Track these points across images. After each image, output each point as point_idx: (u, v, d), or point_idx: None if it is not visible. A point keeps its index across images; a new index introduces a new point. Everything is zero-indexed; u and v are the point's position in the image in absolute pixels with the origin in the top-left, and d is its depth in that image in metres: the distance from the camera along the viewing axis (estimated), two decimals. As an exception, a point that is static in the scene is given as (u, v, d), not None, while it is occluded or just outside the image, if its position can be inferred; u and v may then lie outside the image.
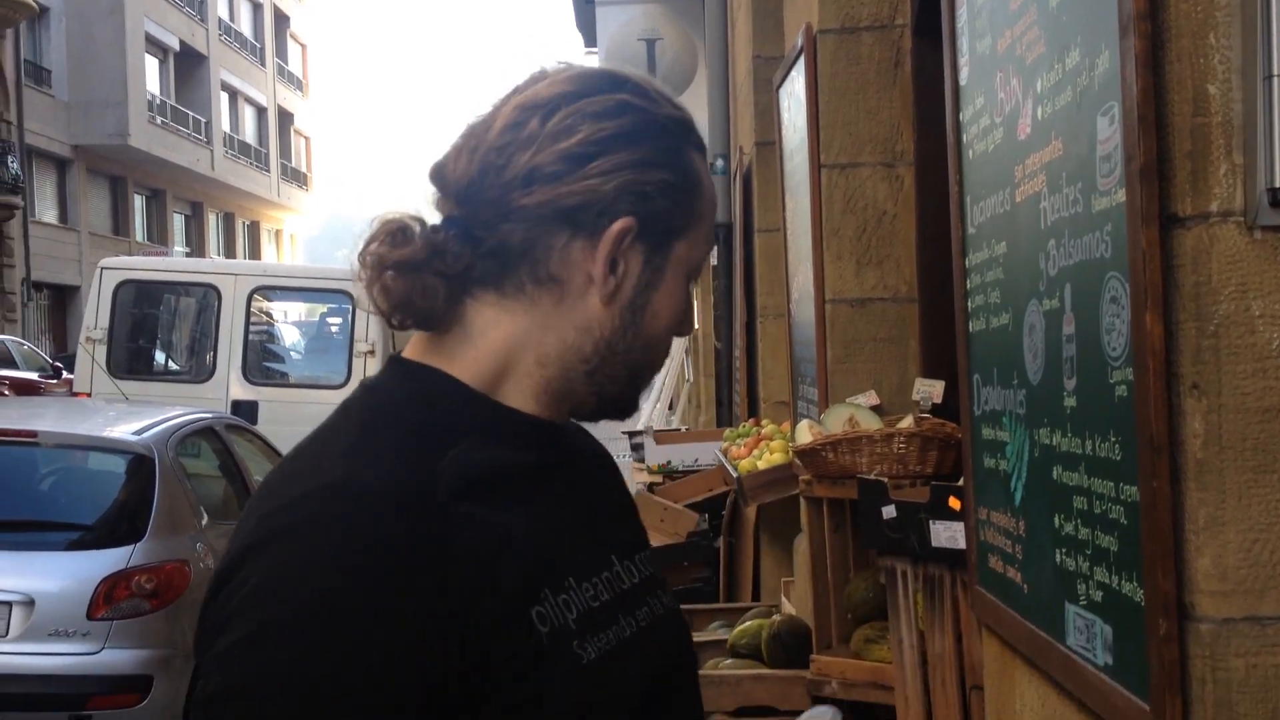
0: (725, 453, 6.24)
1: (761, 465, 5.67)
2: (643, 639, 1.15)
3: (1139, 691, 1.71)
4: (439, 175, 1.17)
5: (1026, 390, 2.16)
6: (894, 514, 2.82)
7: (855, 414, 4.32)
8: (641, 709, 1.12)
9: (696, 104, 10.79)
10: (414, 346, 1.18)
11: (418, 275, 1.12)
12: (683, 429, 10.35)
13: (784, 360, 6.73)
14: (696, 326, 1.59)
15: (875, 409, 4.41)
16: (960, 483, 2.97)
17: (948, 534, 2.69)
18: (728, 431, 6.83)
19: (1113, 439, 1.77)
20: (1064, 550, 2.00)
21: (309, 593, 0.99)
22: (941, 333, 4.53)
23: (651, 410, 12.78)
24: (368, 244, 1.15)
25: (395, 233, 1.14)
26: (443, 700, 1.02)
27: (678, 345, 15.87)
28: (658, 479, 7.61)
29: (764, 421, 6.56)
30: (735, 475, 5.65)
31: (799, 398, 5.24)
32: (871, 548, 3.00)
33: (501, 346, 1.14)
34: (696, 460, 7.73)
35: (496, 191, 1.11)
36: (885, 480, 3.00)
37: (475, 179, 1.12)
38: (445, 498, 1.05)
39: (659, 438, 8.10)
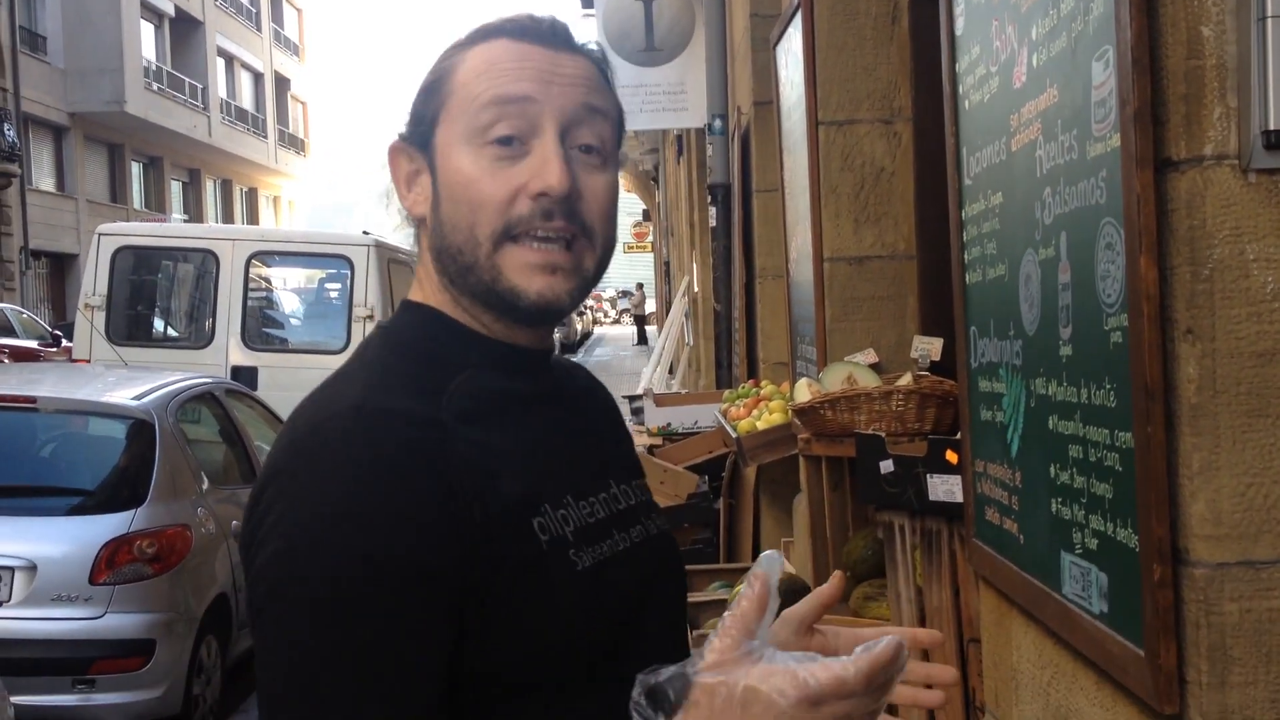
0: (724, 414, 6.24)
1: (761, 426, 5.67)
2: (635, 553, 1.26)
3: (1134, 638, 1.71)
4: None
5: (1023, 341, 2.15)
6: (891, 469, 2.82)
7: (854, 372, 4.32)
8: (630, 614, 1.23)
9: (694, 65, 10.74)
10: (415, 288, 1.31)
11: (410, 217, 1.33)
12: (683, 392, 10.35)
13: (782, 321, 6.72)
14: (556, 182, 1.45)
15: (874, 367, 4.41)
16: (958, 436, 2.97)
17: (945, 487, 2.68)
18: (727, 393, 6.83)
19: (1108, 386, 1.76)
20: (1060, 499, 1.99)
21: (331, 502, 1.10)
22: (940, 290, 4.52)
23: (651, 374, 12.82)
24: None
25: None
26: (451, 593, 1.11)
27: (677, 309, 15.86)
28: (657, 441, 7.62)
29: (763, 383, 6.56)
30: (735, 436, 5.66)
31: (798, 357, 5.23)
32: (869, 503, 3.00)
33: (431, 274, 1.28)
34: (696, 422, 7.74)
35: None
36: (883, 435, 2.99)
37: None
38: (450, 421, 1.17)
39: (659, 400, 8.11)
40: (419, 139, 1.27)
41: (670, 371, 14.15)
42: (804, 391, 4.29)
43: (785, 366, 6.76)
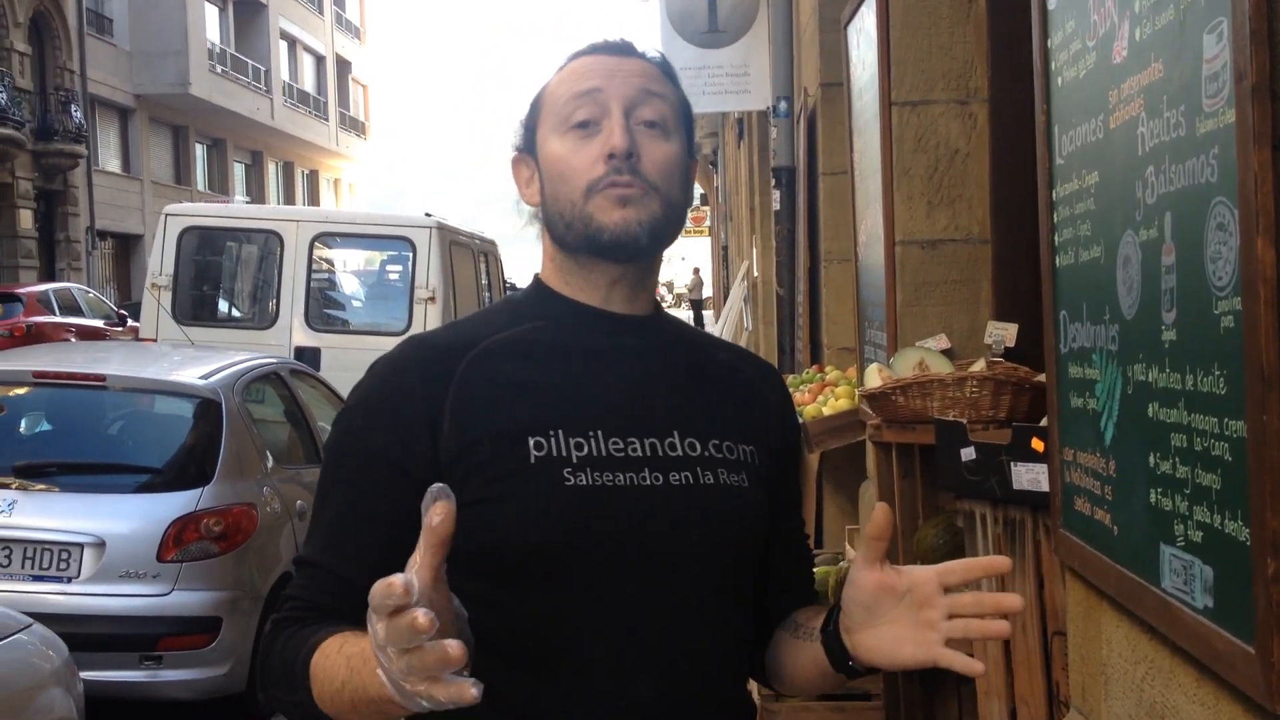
0: (790, 398, 6.17)
1: (827, 411, 5.61)
2: (661, 493, 1.44)
3: (1243, 634, 1.64)
4: None
5: (1120, 325, 2.08)
6: (973, 456, 2.75)
7: (925, 358, 4.24)
8: (627, 537, 1.41)
9: (758, 47, 10.64)
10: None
11: None
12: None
13: (848, 306, 6.63)
14: (618, 142, 1.45)
15: (945, 353, 4.33)
16: (1042, 424, 2.90)
17: (1030, 476, 2.62)
18: (791, 378, 6.77)
19: (1217, 372, 1.69)
20: (1160, 490, 1.93)
21: (353, 396, 1.53)
22: (1015, 275, 4.43)
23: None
24: None
25: None
26: (408, 477, 1.41)
27: (736, 294, 15.77)
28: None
29: (827, 368, 6.49)
30: (800, 422, 5.60)
31: (866, 342, 5.16)
32: (949, 491, 2.93)
33: (546, 251, 1.60)
34: (759, 406, 7.67)
35: None
36: (964, 422, 2.93)
37: None
38: (480, 355, 1.48)
39: (721, 384, 8.05)
40: (528, 146, 1.58)
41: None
42: (875, 377, 4.22)
43: (850, 352, 6.68)
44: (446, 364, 1.48)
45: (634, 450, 1.45)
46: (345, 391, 7.07)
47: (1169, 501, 1.89)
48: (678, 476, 1.46)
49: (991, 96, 4.37)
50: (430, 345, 1.53)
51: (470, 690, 1.10)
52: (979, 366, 4.05)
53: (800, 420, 5.56)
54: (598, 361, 1.51)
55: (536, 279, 1.60)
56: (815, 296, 7.24)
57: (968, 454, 2.76)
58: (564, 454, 1.43)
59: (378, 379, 1.50)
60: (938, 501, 4.45)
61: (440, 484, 1.17)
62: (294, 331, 10.25)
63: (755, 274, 14.29)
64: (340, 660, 1.29)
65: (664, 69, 1.59)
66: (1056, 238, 2.42)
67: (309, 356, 9.79)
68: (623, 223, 1.48)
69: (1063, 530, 2.47)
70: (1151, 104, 1.89)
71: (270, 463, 6.49)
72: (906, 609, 1.38)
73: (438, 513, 1.14)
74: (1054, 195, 2.43)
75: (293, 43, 39.48)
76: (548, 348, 1.51)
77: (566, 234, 1.52)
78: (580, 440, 1.44)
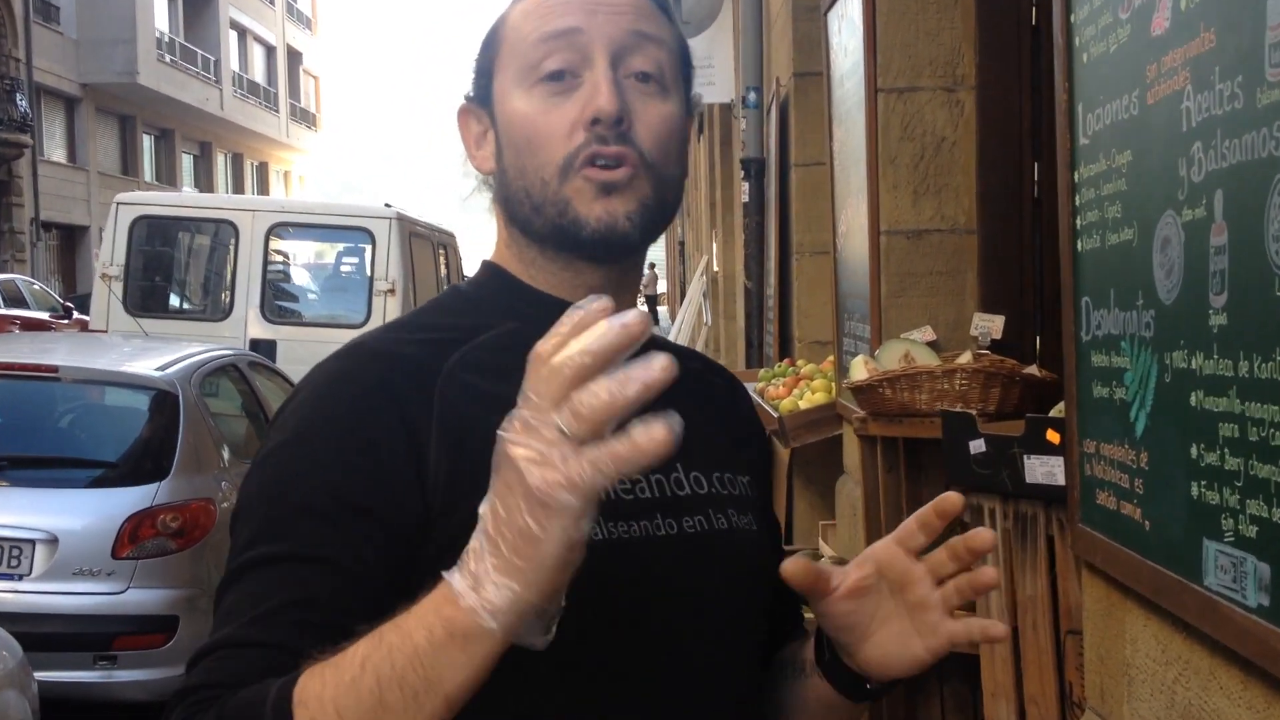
0: (762, 393, 6.08)
1: (803, 405, 5.52)
2: (676, 543, 1.17)
3: (1309, 635, 1.55)
4: None
5: (1156, 310, 1.99)
6: (983, 449, 2.66)
7: (911, 350, 4.16)
8: (640, 601, 1.14)
9: (722, 38, 10.55)
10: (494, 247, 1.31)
11: None
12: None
13: (821, 299, 6.54)
14: (606, 104, 1.32)
15: (931, 345, 4.25)
16: (1050, 414, 2.81)
17: (1044, 469, 2.52)
18: (763, 372, 6.67)
19: (1278, 358, 1.59)
20: (1204, 483, 1.83)
21: (291, 427, 1.14)
22: (1001, 266, 4.36)
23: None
24: None
25: None
26: (378, 526, 1.08)
27: (695, 289, 15.69)
28: (687, 420, 7.44)
29: (799, 361, 6.40)
30: (776, 415, 5.49)
31: (845, 335, 5.06)
32: (957, 484, 2.84)
33: (501, 234, 1.28)
34: (727, 401, 7.57)
35: None
36: (974, 414, 2.83)
37: None
38: (457, 368, 1.16)
39: (689, 378, 7.94)
40: (481, 95, 1.27)
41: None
42: (860, 369, 4.13)
43: (823, 345, 6.59)
44: (423, 382, 1.14)
45: (641, 491, 1.17)
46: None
47: (1215, 495, 1.80)
48: (691, 522, 1.20)
49: (979, 84, 4.28)
50: (397, 357, 1.16)
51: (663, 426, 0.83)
52: (965, 359, 3.97)
53: (777, 414, 5.46)
54: None
55: (492, 266, 1.29)
56: (786, 290, 7.15)
57: (977, 446, 2.66)
58: None
59: (336, 401, 1.13)
60: (921, 496, 4.37)
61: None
62: (249, 323, 10.05)
63: (715, 268, 14.20)
64: (351, 655, 0.94)
65: (658, 1, 1.26)
66: (1079, 221, 2.33)
67: (264, 349, 9.59)
68: (608, 216, 1.18)
69: (1081, 525, 2.37)
70: (1200, 76, 1.79)
71: (228, 456, 6.32)
72: (891, 601, 1.17)
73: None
74: (1075, 177, 2.33)
75: (243, 33, 39.00)
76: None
77: (533, 218, 1.21)
78: None
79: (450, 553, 0.97)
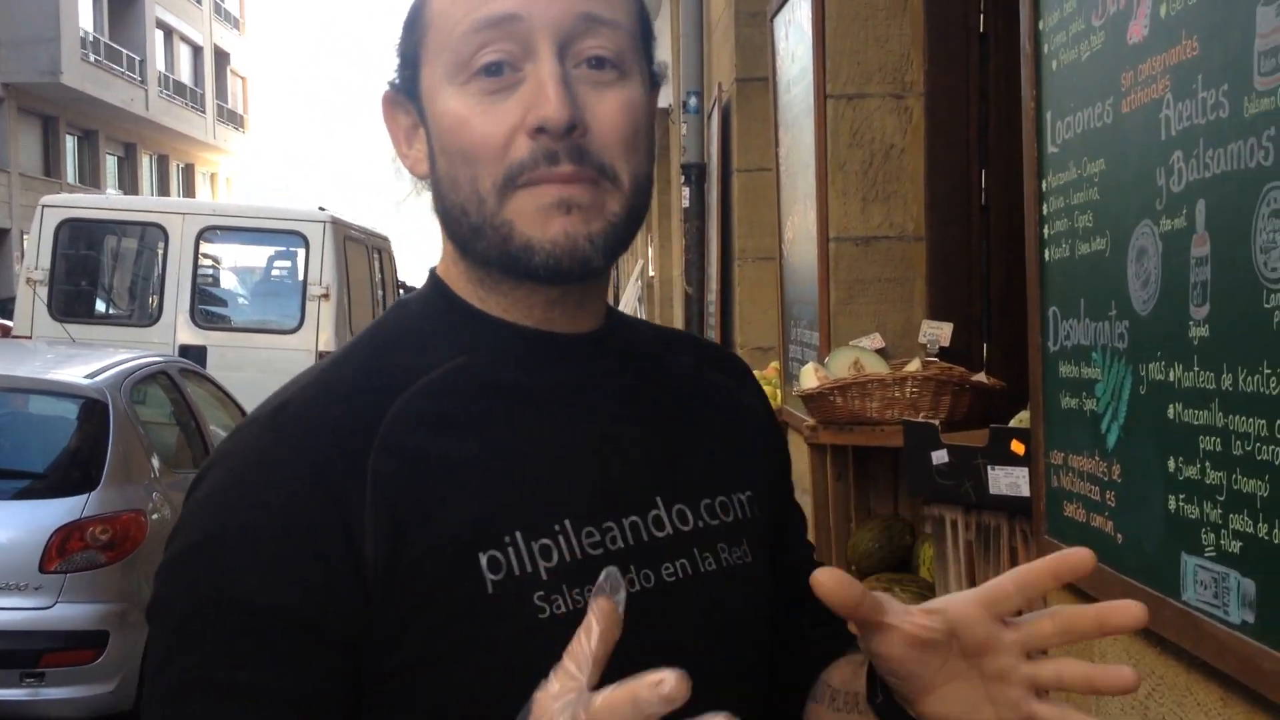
0: (705, 399, 6.03)
1: (749, 411, 5.48)
2: (657, 596, 1.02)
3: (1298, 653, 1.52)
4: None
5: (1130, 321, 1.96)
6: (946, 459, 2.62)
7: (860, 357, 4.14)
8: (621, 670, 0.95)
9: (661, 41, 10.50)
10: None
11: None
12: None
13: (763, 305, 6.51)
14: (553, 112, 1.26)
15: (880, 352, 4.23)
16: (1011, 424, 2.79)
17: (1009, 480, 2.50)
18: (705, 377, 6.62)
19: (1266, 371, 1.57)
20: (1182, 496, 1.81)
21: (206, 524, 0.95)
22: (949, 273, 4.35)
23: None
24: None
25: None
26: (327, 642, 0.93)
27: (631, 293, 15.64)
28: (628, 426, 7.39)
29: (743, 367, 6.36)
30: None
31: (792, 341, 5.04)
32: (918, 495, 2.81)
33: (445, 248, 1.10)
34: (668, 407, 7.52)
35: None
36: (937, 423, 2.80)
37: None
38: (394, 427, 0.98)
39: (629, 384, 7.89)
40: (407, 86, 1.08)
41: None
42: (810, 377, 4.10)
43: (765, 351, 6.56)
44: (355, 455, 0.96)
45: (613, 541, 1.02)
46: (235, 392, 6.65)
47: (1194, 509, 1.77)
48: (671, 569, 1.04)
49: (927, 91, 4.28)
50: (324, 425, 0.98)
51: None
52: (914, 366, 3.96)
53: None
54: (548, 411, 1.04)
55: (439, 284, 1.11)
56: (727, 295, 7.12)
57: (939, 457, 2.63)
58: (529, 569, 0.97)
59: (258, 490, 0.95)
60: (871, 505, 4.35)
61: (610, 568, 0.80)
62: (178, 328, 9.86)
63: (651, 273, 14.16)
64: None
65: None
66: (1046, 230, 2.30)
67: (194, 355, 9.41)
68: (564, 240, 1.00)
69: (1047, 537, 2.35)
70: (1181, 85, 1.77)
71: (159, 466, 6.17)
72: (963, 663, 0.94)
73: (601, 614, 0.78)
74: (1043, 185, 2.31)
75: (169, 32, 38.40)
76: (480, 399, 1.02)
77: (474, 240, 1.03)
78: (547, 542, 0.98)
79: (400, 662, 0.92)
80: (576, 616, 0.90)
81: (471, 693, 0.94)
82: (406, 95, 1.08)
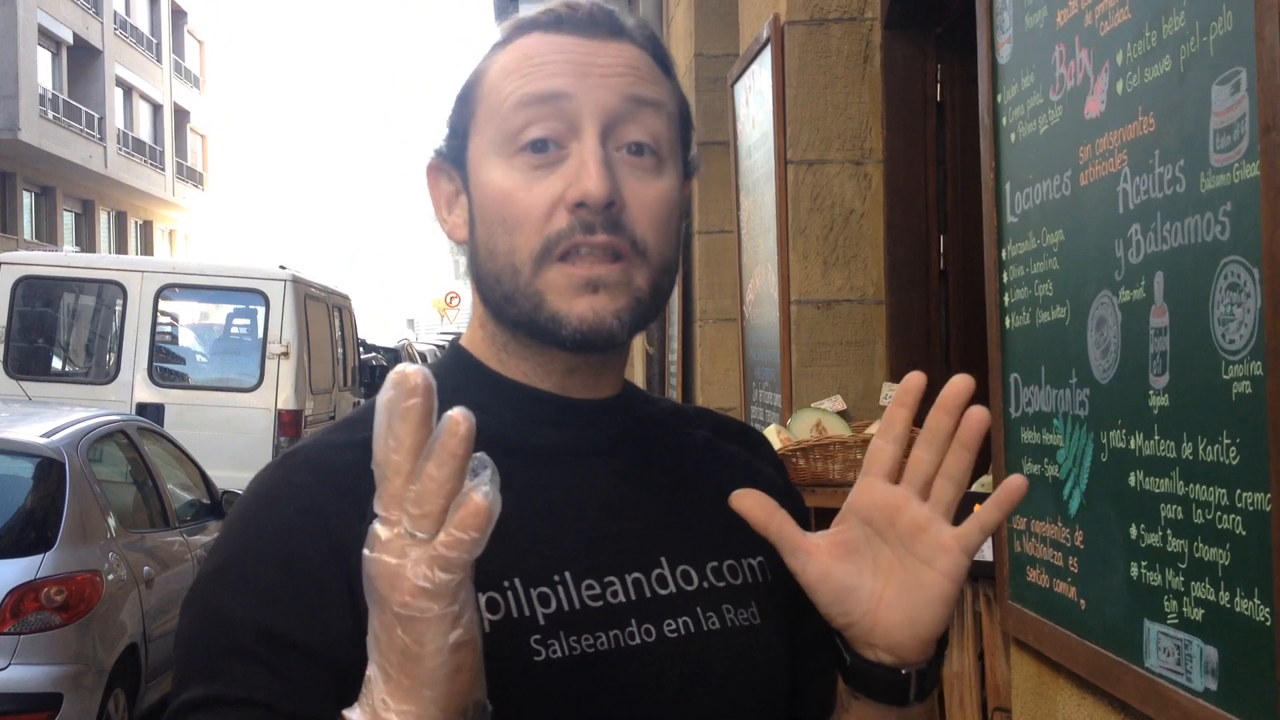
0: (667, 460, 6.05)
1: (711, 473, 5.50)
2: (663, 651, 1.04)
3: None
4: None
5: (1090, 389, 2.00)
6: (909, 523, 2.64)
7: (822, 419, 4.17)
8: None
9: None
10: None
11: None
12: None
13: (724, 366, 6.55)
14: (594, 188, 1.29)
15: (841, 414, 4.26)
16: (974, 488, 2.81)
17: (972, 545, 2.51)
18: (666, 438, 6.64)
19: (1225, 441, 1.60)
20: (1144, 564, 1.83)
21: (218, 559, 1.02)
22: (909, 336, 4.40)
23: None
24: None
25: None
26: (329, 669, 0.96)
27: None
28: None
29: (704, 428, 6.38)
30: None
31: (754, 403, 5.07)
32: (882, 559, 2.81)
33: (476, 317, 1.13)
34: (629, 468, 7.53)
35: None
36: (900, 487, 2.82)
37: None
38: None
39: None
40: (454, 155, 1.12)
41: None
42: (773, 438, 4.12)
43: (726, 413, 6.58)
44: (356, 496, 0.98)
45: (614, 595, 1.04)
46: (193, 451, 6.60)
47: (1156, 576, 1.80)
48: (673, 625, 1.06)
49: (886, 157, 4.34)
50: (329, 468, 1.03)
51: (457, 417, 0.76)
52: (875, 428, 3.98)
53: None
54: (555, 469, 1.08)
55: (458, 350, 1.15)
56: (688, 356, 7.15)
57: (903, 522, 2.65)
58: (527, 613, 1.00)
59: (264, 525, 1.02)
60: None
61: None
62: (136, 386, 9.78)
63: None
64: None
65: (656, 54, 1.12)
66: (1007, 298, 2.34)
67: (152, 413, 9.33)
68: (592, 316, 1.04)
69: (1011, 602, 2.37)
70: (1139, 159, 1.81)
71: (116, 526, 6.10)
72: (887, 548, 0.97)
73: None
74: (1003, 254, 2.35)
75: (129, 90, 38.34)
76: (493, 457, 1.06)
77: (505, 306, 1.07)
78: (545, 590, 1.01)
79: None
80: (573, 662, 0.99)
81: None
82: (452, 164, 1.12)
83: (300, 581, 0.98)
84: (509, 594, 1.00)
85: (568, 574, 1.02)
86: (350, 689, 0.91)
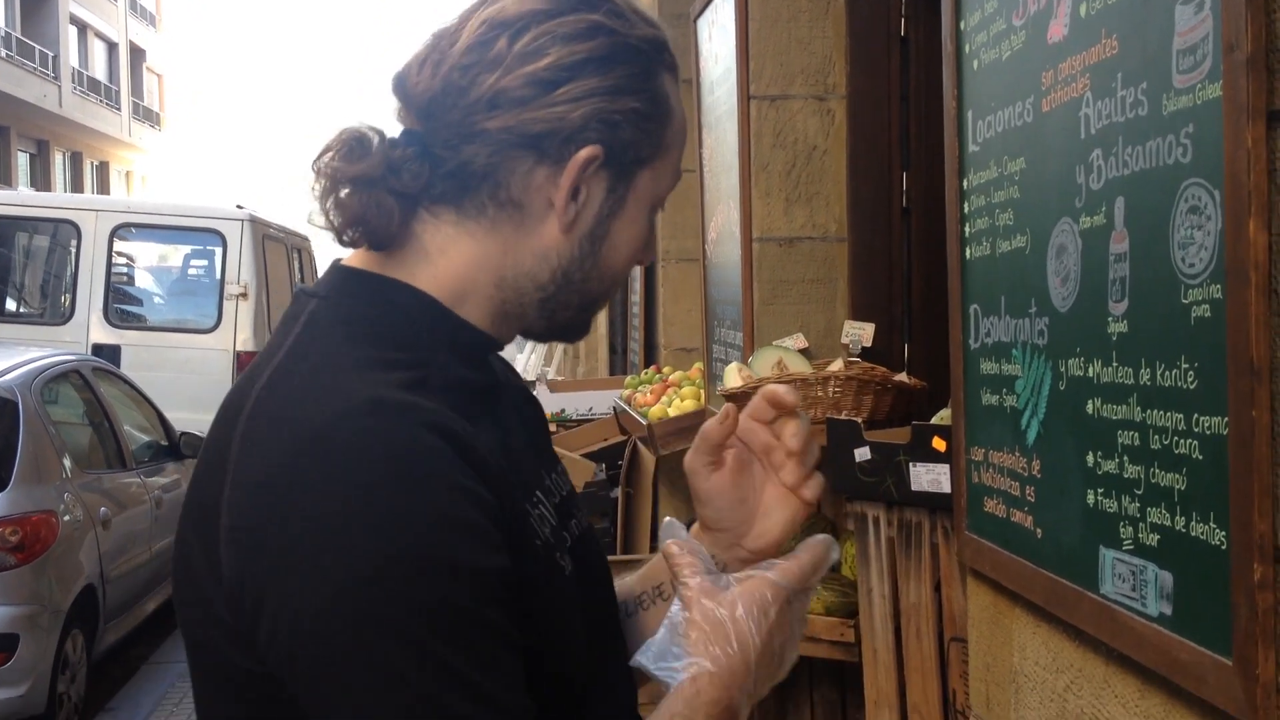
0: (629, 400, 6.04)
1: (672, 412, 5.48)
2: (581, 548, 1.18)
3: (1213, 644, 1.55)
4: (400, 86, 1.13)
5: (1050, 318, 1.98)
6: (868, 456, 2.64)
7: (783, 357, 4.16)
8: (606, 615, 1.20)
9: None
10: (363, 259, 1.14)
11: (373, 192, 1.09)
12: (579, 378, 10.12)
13: (686, 305, 6.53)
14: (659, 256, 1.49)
15: (803, 352, 4.25)
16: (933, 421, 2.81)
17: (930, 477, 2.51)
18: (629, 379, 6.63)
19: (1184, 365, 1.59)
20: (1101, 491, 1.83)
21: (380, 519, 0.95)
22: (871, 274, 4.38)
23: (526, 361, 12.56)
24: (322, 154, 1.11)
25: (352, 144, 1.10)
26: (510, 591, 1.00)
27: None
28: (551, 428, 7.37)
29: (665, 368, 6.37)
30: (645, 422, 5.45)
31: (715, 342, 5.05)
32: (842, 493, 2.82)
33: (461, 266, 1.12)
34: (591, 409, 7.51)
35: (460, 113, 1.09)
36: (860, 421, 2.82)
37: (438, 96, 1.10)
38: (447, 411, 1.03)
39: (553, 385, 7.86)
40: (622, 167, 1.12)
41: (547, 362, 13.90)
42: (734, 376, 4.11)
43: (689, 352, 6.57)
44: (454, 435, 1.02)
45: (547, 506, 1.16)
46: (150, 392, 6.50)
47: (1113, 503, 1.80)
48: (576, 524, 1.21)
49: (849, 93, 4.31)
50: (420, 414, 1.00)
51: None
52: (836, 366, 3.98)
53: (646, 421, 5.42)
54: (498, 405, 1.17)
55: (414, 293, 1.12)
56: (651, 297, 7.13)
57: (862, 454, 2.65)
58: (544, 536, 1.11)
59: (420, 476, 0.97)
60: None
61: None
62: (91, 327, 9.65)
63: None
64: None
65: None
66: (967, 229, 2.32)
67: (108, 354, 9.21)
68: (585, 334, 1.24)
69: (968, 532, 2.37)
70: (1100, 83, 1.79)
71: (71, 467, 6.04)
72: (767, 479, 1.22)
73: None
74: (964, 184, 2.33)
75: (84, 28, 37.65)
76: (466, 393, 1.10)
77: (557, 311, 1.15)
78: (540, 512, 1.12)
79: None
80: (576, 573, 1.12)
81: (550, 637, 1.06)
82: (616, 174, 1.12)
83: (490, 521, 1.00)
84: (536, 518, 1.09)
85: (539, 494, 1.13)
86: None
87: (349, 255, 1.17)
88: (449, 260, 1.11)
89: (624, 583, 1.34)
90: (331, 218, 1.11)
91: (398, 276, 1.11)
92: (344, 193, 1.10)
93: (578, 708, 1.10)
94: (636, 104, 1.10)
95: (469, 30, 1.10)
